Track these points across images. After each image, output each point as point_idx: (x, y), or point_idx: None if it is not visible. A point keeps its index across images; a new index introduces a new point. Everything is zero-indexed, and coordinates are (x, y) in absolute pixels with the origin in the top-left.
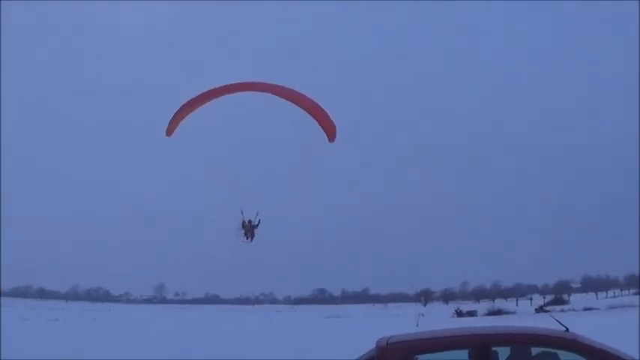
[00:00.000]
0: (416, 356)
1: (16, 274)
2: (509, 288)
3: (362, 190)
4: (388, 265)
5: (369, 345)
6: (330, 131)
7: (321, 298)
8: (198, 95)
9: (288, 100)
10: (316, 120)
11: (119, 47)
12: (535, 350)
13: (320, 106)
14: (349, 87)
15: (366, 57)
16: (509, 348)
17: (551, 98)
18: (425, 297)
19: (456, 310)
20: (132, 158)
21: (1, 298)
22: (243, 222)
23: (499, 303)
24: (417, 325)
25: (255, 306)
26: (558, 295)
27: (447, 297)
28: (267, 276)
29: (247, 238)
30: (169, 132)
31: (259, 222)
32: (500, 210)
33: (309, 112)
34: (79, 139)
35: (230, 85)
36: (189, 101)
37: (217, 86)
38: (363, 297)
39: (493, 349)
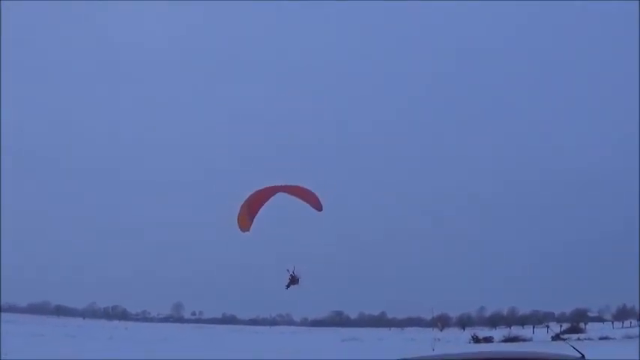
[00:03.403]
0: None
1: (33, 290)
2: (525, 315)
3: (381, 212)
4: (406, 290)
5: None
6: (317, 206)
7: (338, 320)
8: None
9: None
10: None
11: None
12: None
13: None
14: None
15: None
16: None
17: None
18: (441, 322)
19: (472, 336)
20: (151, 176)
21: (18, 314)
22: (291, 275)
23: (516, 330)
24: (433, 350)
25: (272, 327)
26: (575, 323)
27: (464, 322)
28: (285, 297)
29: (287, 287)
30: (245, 226)
31: (293, 275)
32: (519, 236)
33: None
34: (96, 157)
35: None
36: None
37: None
38: (379, 320)
39: None
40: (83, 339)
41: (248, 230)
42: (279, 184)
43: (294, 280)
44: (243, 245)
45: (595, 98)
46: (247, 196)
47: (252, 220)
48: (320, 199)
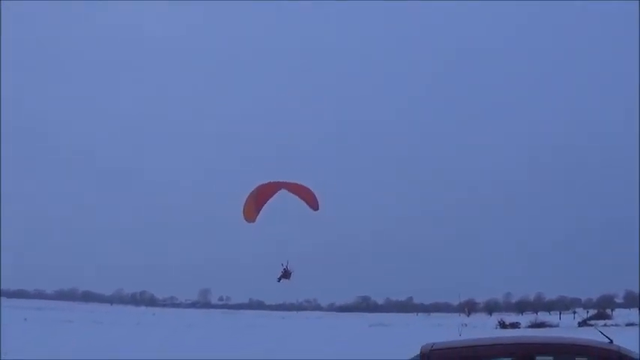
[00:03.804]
0: None
1: (61, 276)
2: (552, 301)
3: (407, 198)
4: (432, 275)
5: (414, 352)
6: (313, 205)
7: (365, 305)
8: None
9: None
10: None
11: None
12: None
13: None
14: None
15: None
16: (552, 358)
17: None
18: (468, 308)
19: (499, 322)
20: (178, 164)
21: (46, 300)
22: (284, 269)
23: (542, 316)
24: (460, 335)
25: (299, 312)
26: (601, 309)
27: (491, 308)
28: (312, 283)
29: (279, 280)
30: (250, 217)
31: (286, 269)
32: (545, 222)
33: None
34: (118, 143)
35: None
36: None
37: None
38: (406, 306)
39: (537, 358)
40: (110, 325)
41: (253, 221)
42: (283, 181)
43: (286, 274)
44: (270, 232)
45: (595, 98)
46: (253, 189)
47: (258, 212)
48: (318, 200)
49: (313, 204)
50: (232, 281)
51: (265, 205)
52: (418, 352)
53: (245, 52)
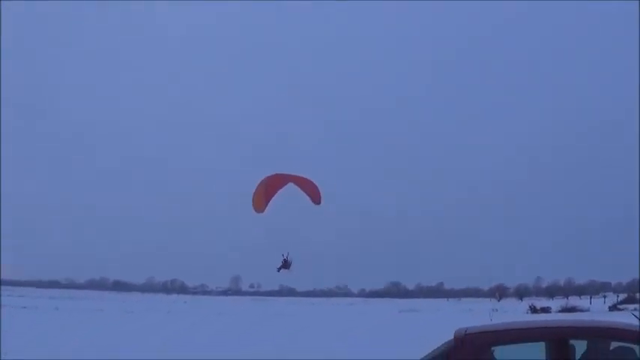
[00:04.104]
0: (492, 347)
1: (91, 266)
2: (582, 285)
3: (438, 184)
4: (463, 261)
5: (444, 338)
6: (315, 199)
7: (396, 291)
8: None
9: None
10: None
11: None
12: (613, 345)
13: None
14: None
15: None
16: (585, 342)
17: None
18: (499, 293)
19: (530, 306)
20: (204, 152)
21: (77, 290)
22: (284, 260)
23: (573, 300)
24: (491, 320)
25: (329, 299)
26: (632, 293)
27: (521, 293)
28: (342, 269)
29: (279, 270)
30: (260, 208)
31: (286, 259)
32: (575, 207)
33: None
34: (145, 134)
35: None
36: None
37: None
38: (437, 291)
39: (571, 342)
40: (141, 313)
41: (262, 212)
42: (291, 174)
43: (285, 265)
44: (304, 220)
45: (595, 98)
46: (261, 180)
47: (267, 203)
48: (321, 195)
49: (315, 198)
50: (263, 268)
51: (275, 196)
52: (452, 337)
53: (245, 52)
